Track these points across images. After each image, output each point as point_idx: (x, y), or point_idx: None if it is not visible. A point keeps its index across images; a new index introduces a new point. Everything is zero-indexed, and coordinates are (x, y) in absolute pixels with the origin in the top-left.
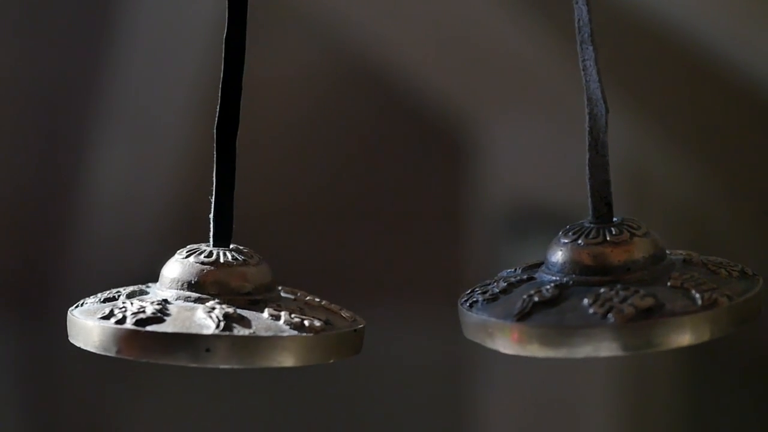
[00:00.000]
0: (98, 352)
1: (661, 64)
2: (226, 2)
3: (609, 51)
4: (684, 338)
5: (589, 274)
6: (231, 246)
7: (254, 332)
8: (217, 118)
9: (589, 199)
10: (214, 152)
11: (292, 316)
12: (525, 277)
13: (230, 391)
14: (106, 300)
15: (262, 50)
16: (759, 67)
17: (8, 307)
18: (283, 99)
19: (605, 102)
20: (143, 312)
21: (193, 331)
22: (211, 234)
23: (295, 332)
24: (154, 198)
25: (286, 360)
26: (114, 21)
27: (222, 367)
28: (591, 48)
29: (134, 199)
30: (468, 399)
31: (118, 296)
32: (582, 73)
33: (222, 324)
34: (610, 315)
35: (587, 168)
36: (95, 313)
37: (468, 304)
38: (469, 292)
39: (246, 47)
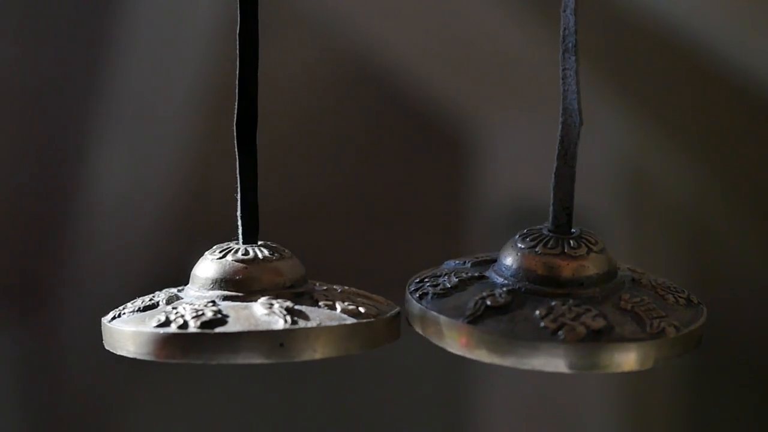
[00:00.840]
0: (158, 360)
1: (661, 64)
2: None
3: (609, 51)
4: (629, 363)
5: (542, 283)
6: (259, 242)
7: (321, 323)
8: (236, 115)
9: (551, 207)
10: (236, 149)
11: (347, 304)
12: (476, 274)
13: (229, 390)
14: (146, 308)
15: (264, 50)
16: (759, 67)
17: (8, 307)
18: (283, 99)
19: (580, 114)
20: (203, 315)
21: (262, 327)
22: (240, 231)
23: (354, 320)
24: (154, 198)
25: (353, 347)
26: (114, 21)
27: (293, 360)
28: (573, 58)
29: (134, 199)
30: (468, 399)
31: (157, 303)
32: (561, 81)
33: (289, 318)
34: (560, 332)
35: (553, 176)
36: (144, 322)
37: (417, 295)
38: (418, 280)
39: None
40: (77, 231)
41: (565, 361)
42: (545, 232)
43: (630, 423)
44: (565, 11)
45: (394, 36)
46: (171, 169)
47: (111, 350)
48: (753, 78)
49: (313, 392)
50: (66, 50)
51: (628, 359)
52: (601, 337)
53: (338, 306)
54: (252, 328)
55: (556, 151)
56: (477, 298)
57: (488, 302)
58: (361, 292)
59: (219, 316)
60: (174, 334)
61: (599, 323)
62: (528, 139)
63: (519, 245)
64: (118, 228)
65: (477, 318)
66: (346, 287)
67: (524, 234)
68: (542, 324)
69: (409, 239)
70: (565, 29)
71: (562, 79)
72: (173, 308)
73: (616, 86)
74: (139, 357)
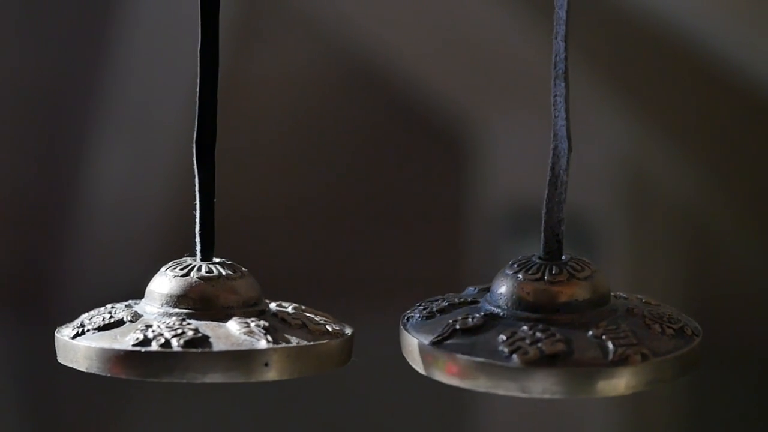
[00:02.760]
0: (138, 379)
1: (662, 64)
2: (199, 16)
3: (610, 51)
4: (584, 390)
5: (520, 308)
6: (217, 259)
7: (299, 342)
8: (195, 133)
9: (542, 235)
10: (195, 167)
11: (315, 323)
12: (470, 299)
13: (228, 395)
14: (109, 326)
15: (263, 50)
16: (759, 68)
17: (8, 307)
18: (284, 99)
19: (569, 140)
20: (183, 334)
21: (246, 347)
22: (199, 248)
23: (327, 339)
24: (153, 199)
25: (329, 365)
26: (114, 21)
27: (274, 380)
28: (563, 84)
29: (133, 200)
30: (469, 401)
31: (122, 320)
32: (552, 108)
33: (270, 338)
34: (514, 355)
35: (544, 203)
36: (117, 339)
37: (405, 318)
38: (415, 306)
39: (239, 50)
40: (77, 232)
41: (516, 385)
42: (535, 260)
43: (631, 423)
44: (556, 38)
45: (395, 37)
46: (170, 169)
47: (75, 367)
48: (753, 78)
49: (312, 395)
50: (66, 52)
51: (582, 385)
52: (556, 362)
53: (308, 325)
54: (235, 347)
55: (547, 177)
56: (450, 320)
57: (457, 325)
58: (310, 309)
59: (199, 335)
60: (158, 353)
61: (557, 348)
62: (528, 139)
63: (507, 271)
64: (118, 228)
65: (443, 340)
66: (294, 304)
67: (514, 261)
68: (500, 347)
69: (409, 240)
70: (556, 56)
71: (553, 105)
72: (146, 326)
73: (616, 87)
74: (114, 376)
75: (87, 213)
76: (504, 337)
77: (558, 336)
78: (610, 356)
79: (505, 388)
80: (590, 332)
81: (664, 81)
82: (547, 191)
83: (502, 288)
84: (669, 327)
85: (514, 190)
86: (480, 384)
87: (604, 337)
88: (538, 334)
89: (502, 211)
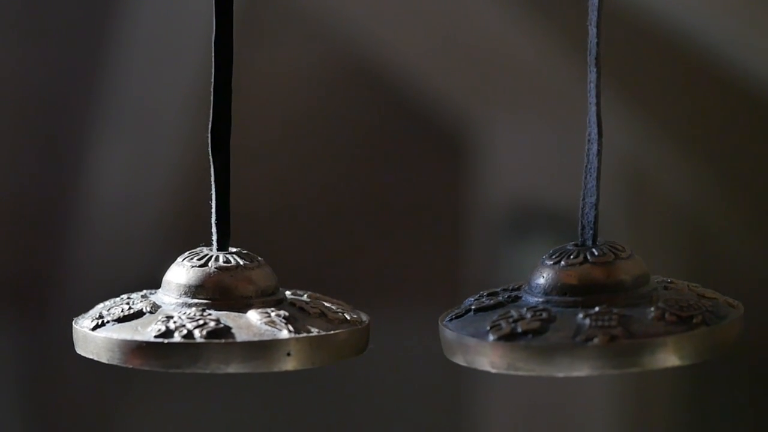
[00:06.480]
0: (161, 370)
1: (662, 64)
2: (213, 6)
3: (609, 51)
4: (546, 367)
5: (538, 292)
6: (233, 249)
7: (320, 332)
8: (210, 123)
9: (579, 221)
10: (210, 157)
11: (333, 312)
12: (519, 285)
13: (229, 393)
14: (129, 317)
15: (263, 51)
16: (759, 68)
17: (8, 307)
18: (283, 99)
19: (600, 126)
20: (205, 324)
21: (268, 337)
22: (215, 238)
23: (346, 327)
24: (153, 197)
25: (348, 354)
26: (114, 21)
27: (296, 369)
28: (595, 71)
29: (134, 198)
30: (468, 401)
31: (142, 311)
32: (588, 94)
33: (291, 327)
34: (490, 332)
35: (582, 190)
36: (138, 331)
37: (465, 300)
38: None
39: (239, 49)
40: (77, 230)
41: (486, 360)
42: (569, 247)
43: (631, 422)
44: (590, 24)
45: (395, 36)
46: (171, 169)
47: (95, 359)
48: (753, 78)
49: (313, 394)
50: (66, 51)
51: (544, 363)
52: (521, 339)
53: (327, 314)
54: (257, 337)
55: (584, 164)
56: (472, 300)
57: (473, 306)
58: (325, 296)
59: (221, 325)
60: (181, 344)
61: (531, 326)
62: (528, 139)
63: (542, 257)
64: (118, 228)
65: (455, 318)
66: (309, 292)
67: (551, 249)
68: (485, 325)
69: (409, 240)
70: (590, 42)
71: (588, 91)
72: (167, 317)
73: (615, 86)
74: (137, 367)
75: (87, 210)
76: (495, 316)
77: (544, 316)
78: (579, 336)
79: (479, 364)
80: (580, 314)
81: (663, 80)
82: (583, 177)
83: (533, 274)
84: (674, 314)
85: (514, 190)
86: (461, 359)
87: (588, 318)
88: (527, 314)
89: (502, 211)
